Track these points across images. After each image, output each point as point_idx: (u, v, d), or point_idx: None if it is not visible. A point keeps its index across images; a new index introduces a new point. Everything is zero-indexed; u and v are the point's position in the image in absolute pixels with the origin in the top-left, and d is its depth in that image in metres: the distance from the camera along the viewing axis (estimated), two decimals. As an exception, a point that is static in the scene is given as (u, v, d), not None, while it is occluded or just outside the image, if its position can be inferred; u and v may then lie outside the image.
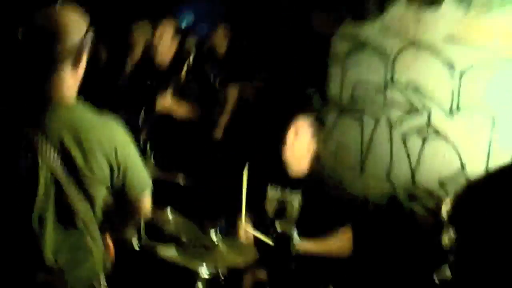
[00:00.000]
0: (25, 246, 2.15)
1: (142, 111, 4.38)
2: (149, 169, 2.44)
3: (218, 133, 5.39)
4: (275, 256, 3.40)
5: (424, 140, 4.07)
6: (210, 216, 3.56)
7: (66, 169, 2.10)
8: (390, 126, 4.26)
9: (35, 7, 2.16)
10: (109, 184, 2.24)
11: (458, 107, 3.89)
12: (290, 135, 3.52)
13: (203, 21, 6.61)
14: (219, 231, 3.29)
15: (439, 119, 3.99)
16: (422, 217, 4.07)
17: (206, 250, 3.19)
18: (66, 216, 2.17)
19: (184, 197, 3.93)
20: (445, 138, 3.96)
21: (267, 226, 3.53)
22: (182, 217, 3.43)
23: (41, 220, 2.12)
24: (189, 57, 4.49)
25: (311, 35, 4.81)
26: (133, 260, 3.34)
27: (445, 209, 2.05)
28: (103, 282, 2.34)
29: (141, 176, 2.35)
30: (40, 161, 2.07)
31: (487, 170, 3.64)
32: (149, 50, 4.76)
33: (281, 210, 3.55)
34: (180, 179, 3.82)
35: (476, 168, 3.72)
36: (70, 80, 2.17)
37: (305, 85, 4.89)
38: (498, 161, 2.90)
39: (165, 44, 4.60)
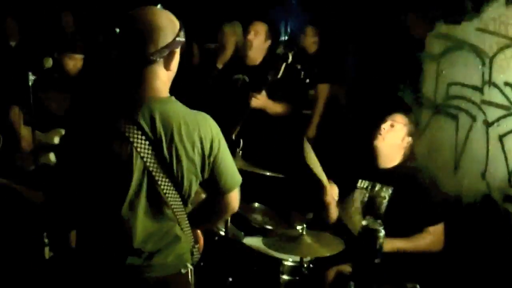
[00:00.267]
0: (116, 230, 2.21)
1: (235, 107, 4.49)
2: (237, 162, 2.45)
3: (311, 130, 5.47)
4: (360, 250, 3.34)
5: (522, 141, 3.98)
6: (297, 208, 3.62)
7: (158, 160, 2.15)
8: (487, 126, 4.18)
9: (130, 8, 2.20)
10: (200, 177, 2.26)
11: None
12: (386, 126, 3.56)
13: (294, 20, 6.70)
14: (306, 223, 3.32)
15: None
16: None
17: (291, 241, 3.20)
18: (157, 205, 2.21)
19: (271, 189, 4.03)
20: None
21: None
22: (268, 208, 3.53)
23: (132, 207, 2.18)
24: (287, 58, 4.51)
25: (405, 35, 4.80)
26: (219, 249, 3.46)
27: None
28: (190, 271, 2.36)
29: (232, 173, 2.36)
30: (134, 152, 2.13)
31: None
32: (241, 50, 4.88)
33: (370, 204, 3.56)
34: (268, 172, 3.84)
35: None
36: (162, 80, 2.21)
37: (398, 84, 4.89)
38: None
39: (258, 44, 4.72)
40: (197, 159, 2.21)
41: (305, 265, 3.34)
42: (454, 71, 4.42)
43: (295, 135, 4.68)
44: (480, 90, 4.23)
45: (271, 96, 4.58)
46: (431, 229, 3.43)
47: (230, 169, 2.35)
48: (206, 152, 2.23)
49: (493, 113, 4.15)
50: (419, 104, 4.70)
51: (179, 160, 2.17)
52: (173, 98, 2.25)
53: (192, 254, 2.39)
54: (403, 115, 3.62)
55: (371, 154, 3.60)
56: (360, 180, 3.66)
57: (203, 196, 2.76)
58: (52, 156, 4.48)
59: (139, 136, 2.14)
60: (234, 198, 2.42)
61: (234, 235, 3.65)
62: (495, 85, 4.12)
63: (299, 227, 3.26)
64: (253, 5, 6.26)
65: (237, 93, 4.73)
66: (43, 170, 4.21)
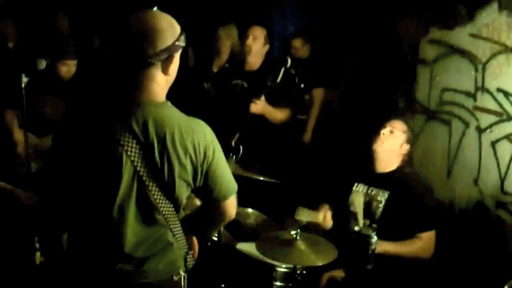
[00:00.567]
0: (106, 234, 2.20)
1: (234, 113, 4.48)
2: (230, 166, 2.42)
3: (307, 135, 5.47)
4: (353, 255, 3.36)
5: (515, 148, 3.99)
6: (291, 214, 3.62)
7: (149, 166, 2.13)
8: (480, 132, 4.20)
9: (125, 11, 2.22)
10: (192, 184, 2.23)
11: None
12: (385, 132, 3.58)
13: (288, 25, 6.68)
14: (300, 228, 3.31)
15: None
16: (510, 225, 4.00)
17: (285, 246, 3.19)
18: (147, 211, 2.19)
19: (265, 195, 4.02)
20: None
21: (348, 222, 3.58)
22: (262, 213, 3.53)
23: (122, 211, 2.16)
24: (286, 63, 4.50)
25: (398, 40, 4.81)
26: (212, 254, 3.44)
27: None
28: (183, 277, 2.34)
29: (227, 180, 2.33)
30: (124, 156, 2.12)
31: None
32: (238, 54, 4.85)
33: (365, 208, 3.56)
34: (262, 177, 3.84)
35: None
36: (159, 84, 2.19)
37: (392, 89, 4.90)
38: None
39: (257, 49, 4.70)
40: (189, 166, 2.18)
41: (298, 271, 3.34)
42: (447, 77, 4.43)
43: (289, 140, 4.68)
44: (473, 96, 4.24)
45: (270, 102, 4.55)
46: (422, 235, 3.44)
47: (225, 176, 2.32)
48: (200, 159, 2.19)
49: (485, 119, 4.16)
50: (412, 109, 4.71)
51: (170, 166, 2.14)
52: (168, 103, 2.23)
53: (185, 260, 2.38)
54: (402, 122, 3.66)
55: (368, 158, 3.62)
56: (356, 184, 3.68)
57: (197, 202, 2.76)
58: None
59: (130, 140, 2.12)
60: (231, 206, 2.39)
61: (227, 239, 3.65)
62: (488, 91, 4.13)
63: (293, 232, 3.24)
64: (250, 8, 6.24)
65: (236, 99, 4.70)
66: (37, 174, 4.21)
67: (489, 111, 4.13)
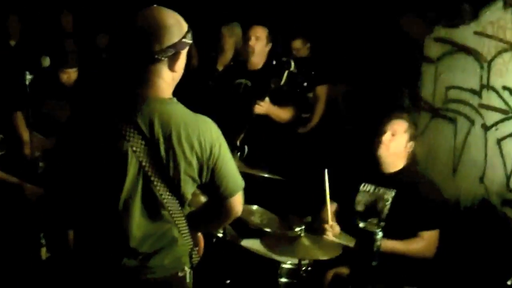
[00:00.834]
0: (111, 230, 2.21)
1: (238, 112, 4.47)
2: (236, 163, 2.39)
3: (305, 129, 5.48)
4: (357, 252, 3.36)
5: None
6: (295, 211, 3.62)
7: (155, 162, 2.12)
8: (485, 130, 4.20)
9: (128, 10, 2.23)
10: (198, 180, 2.22)
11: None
12: (387, 136, 3.54)
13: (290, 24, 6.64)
14: (304, 226, 3.32)
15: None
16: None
17: (289, 243, 3.20)
18: (153, 206, 2.19)
19: (270, 192, 4.03)
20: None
21: (354, 221, 3.58)
22: (266, 210, 3.53)
23: (127, 207, 2.16)
24: (289, 66, 4.49)
25: (403, 38, 4.81)
26: (217, 251, 3.44)
27: None
28: (188, 273, 2.33)
29: (233, 177, 2.30)
30: (130, 151, 2.11)
31: None
32: (241, 52, 4.85)
33: (371, 207, 3.57)
34: (266, 175, 3.83)
35: None
36: (166, 80, 2.18)
37: (397, 87, 4.90)
38: None
39: (260, 49, 4.69)
40: (195, 163, 2.17)
41: (303, 268, 3.34)
42: (452, 74, 4.44)
43: (294, 138, 4.68)
44: (478, 94, 4.25)
45: (274, 102, 4.54)
46: (425, 234, 3.44)
47: (232, 173, 2.30)
48: (205, 156, 2.18)
49: (491, 117, 4.17)
50: (417, 107, 4.71)
51: (176, 162, 2.13)
52: (174, 99, 2.22)
53: (190, 257, 2.36)
54: (402, 121, 3.60)
55: (374, 160, 3.60)
56: (363, 184, 3.67)
57: (202, 198, 2.76)
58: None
59: (136, 136, 2.11)
60: (237, 203, 2.36)
61: (232, 236, 3.65)
62: (493, 89, 4.13)
63: (297, 229, 3.25)
64: (252, 7, 6.23)
65: (239, 98, 4.70)
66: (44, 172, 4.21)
67: (494, 109, 4.13)
